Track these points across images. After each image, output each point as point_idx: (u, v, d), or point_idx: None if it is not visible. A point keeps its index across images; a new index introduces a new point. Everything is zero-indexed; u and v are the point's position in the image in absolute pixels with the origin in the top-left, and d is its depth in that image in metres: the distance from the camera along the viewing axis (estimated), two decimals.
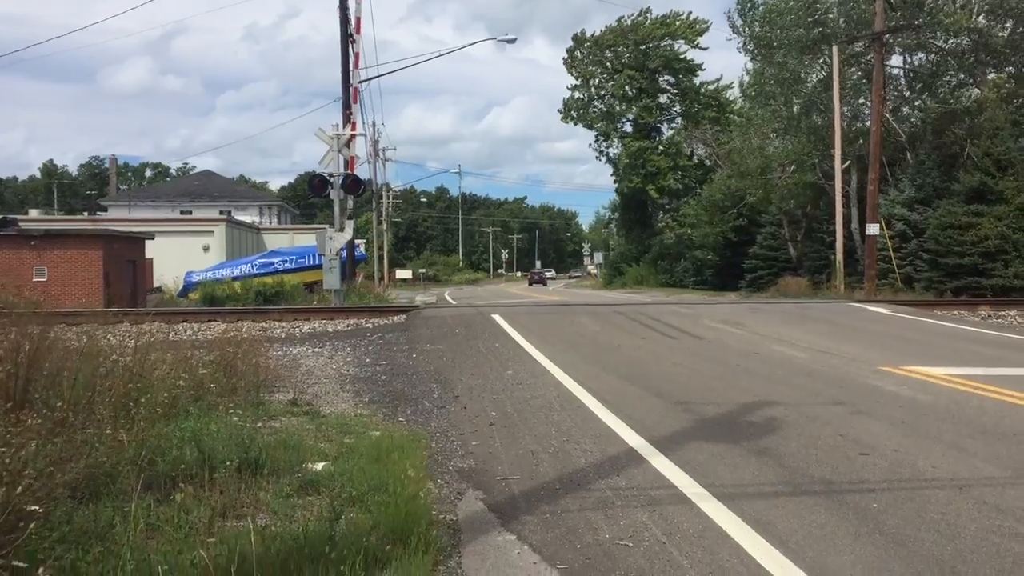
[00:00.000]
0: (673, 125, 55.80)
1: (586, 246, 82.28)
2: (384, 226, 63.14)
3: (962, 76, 29.30)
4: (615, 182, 57.40)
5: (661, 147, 53.60)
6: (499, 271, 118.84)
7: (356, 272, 30.67)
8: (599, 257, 72.97)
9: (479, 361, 10.58)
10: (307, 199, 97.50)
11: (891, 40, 28.20)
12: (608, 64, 55.41)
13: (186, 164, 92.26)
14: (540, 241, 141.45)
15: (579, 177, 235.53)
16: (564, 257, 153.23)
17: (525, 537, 4.42)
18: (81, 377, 5.59)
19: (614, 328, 14.62)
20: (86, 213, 49.75)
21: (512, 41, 27.97)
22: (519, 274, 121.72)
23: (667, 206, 55.39)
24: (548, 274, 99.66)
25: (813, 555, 4.20)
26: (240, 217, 46.01)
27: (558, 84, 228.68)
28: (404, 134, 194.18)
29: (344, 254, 26.17)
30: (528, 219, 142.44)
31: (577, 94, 56.68)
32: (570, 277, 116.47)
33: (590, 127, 56.30)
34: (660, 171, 51.99)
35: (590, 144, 58.35)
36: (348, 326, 15.54)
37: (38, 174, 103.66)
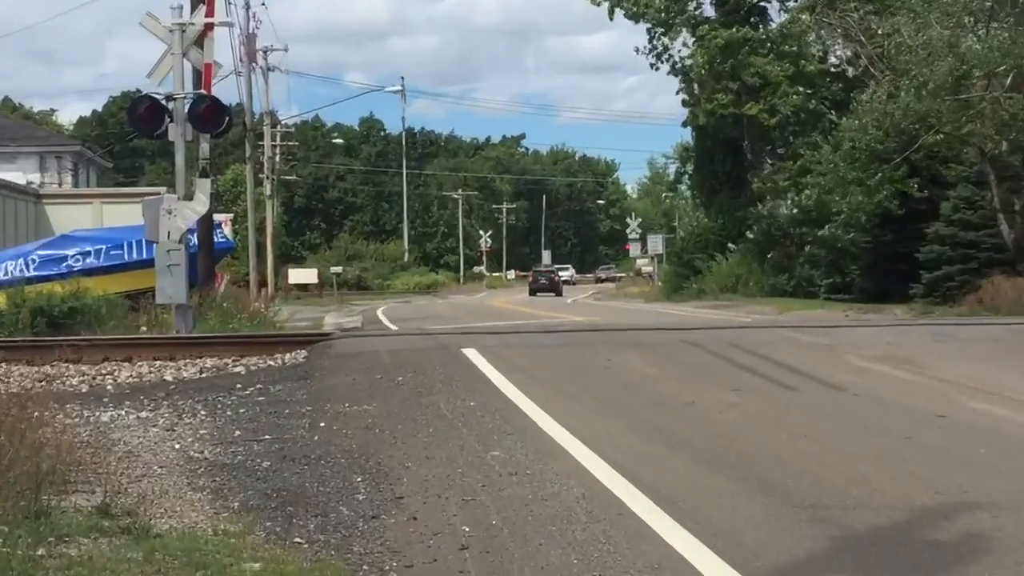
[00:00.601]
0: (790, 3, 55.81)
1: (633, 223, 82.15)
2: (268, 190, 63.21)
3: None
4: (685, 105, 57.49)
5: (769, 42, 53.56)
6: (475, 269, 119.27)
7: (218, 274, 30.67)
8: (657, 243, 73.07)
9: (441, 433, 10.58)
10: (128, 141, 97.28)
11: None
12: None
13: None
14: (550, 216, 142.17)
15: (619, 100, 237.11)
16: (593, 243, 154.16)
17: None
18: None
19: (684, 371, 14.62)
20: None
21: None
22: (511, 275, 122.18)
23: (779, 150, 55.46)
24: (565, 274, 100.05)
25: None
26: (4, 175, 46.01)
27: None
28: (303, 24, 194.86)
29: (195, 241, 26.17)
30: (528, 176, 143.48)
31: None
32: (600, 279, 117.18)
33: (640, 15, 55.94)
34: (768, 82, 51.90)
35: (638, 48, 57.66)
36: (203, 371, 15.51)
37: None
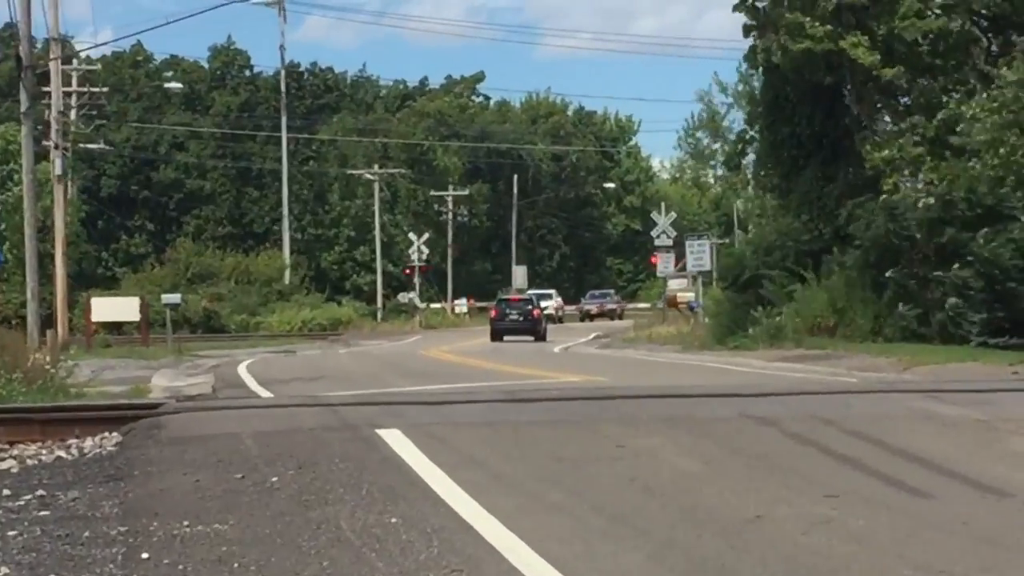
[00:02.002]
0: None
1: (662, 221, 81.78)
2: (58, 167, 62.96)
3: None
4: (748, 32, 57.69)
5: None
6: (404, 297, 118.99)
7: None
8: (703, 254, 73.13)
9: (342, 570, 10.58)
10: None
11: None
12: None
13: None
14: (527, 209, 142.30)
15: (643, 18, 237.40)
16: (598, 252, 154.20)
17: None
18: None
19: (746, 466, 14.69)
20: None
21: None
22: (463, 306, 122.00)
23: (903, 99, 55.59)
24: (548, 306, 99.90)
25: None
26: None
27: None
28: None
29: None
30: (490, 143, 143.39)
31: None
32: (588, 314, 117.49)
33: None
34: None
35: None
36: None
37: None
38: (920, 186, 50.20)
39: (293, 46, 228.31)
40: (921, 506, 12.70)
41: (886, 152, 51.53)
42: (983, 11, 51.47)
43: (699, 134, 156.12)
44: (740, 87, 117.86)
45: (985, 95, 43.41)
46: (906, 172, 51.58)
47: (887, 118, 55.91)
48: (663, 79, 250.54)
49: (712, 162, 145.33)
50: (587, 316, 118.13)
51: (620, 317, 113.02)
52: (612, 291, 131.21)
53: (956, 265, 45.79)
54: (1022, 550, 10.99)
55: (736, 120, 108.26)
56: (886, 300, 49.73)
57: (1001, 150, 40.95)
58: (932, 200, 48.42)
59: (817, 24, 51.56)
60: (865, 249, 50.89)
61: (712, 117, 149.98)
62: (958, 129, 45.32)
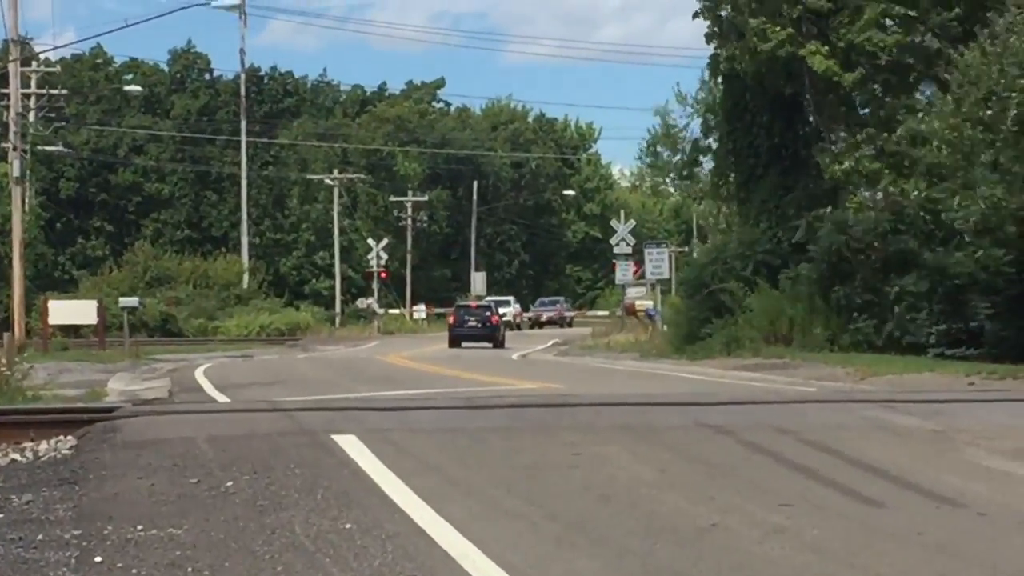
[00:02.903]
0: None
1: (621, 229, 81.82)
2: (16, 168, 62.73)
3: None
4: (710, 38, 57.70)
5: None
6: (362, 303, 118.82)
7: None
8: (661, 261, 73.15)
9: (296, 575, 10.56)
10: None
11: None
12: None
13: None
14: (487, 216, 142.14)
15: (606, 25, 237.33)
16: (557, 259, 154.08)
17: None
18: None
19: (701, 474, 14.72)
20: None
21: None
22: (421, 312, 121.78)
23: (864, 110, 55.66)
24: (507, 313, 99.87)
25: None
26: None
27: None
28: None
29: None
30: (450, 149, 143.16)
31: None
32: (538, 321, 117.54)
33: None
34: (840, 5, 52.40)
35: None
36: None
37: None
38: (879, 196, 50.21)
39: (254, 50, 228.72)
40: (875, 516, 12.73)
41: (846, 165, 51.43)
42: (947, 23, 51.49)
43: (659, 147, 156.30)
44: (701, 94, 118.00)
45: (946, 95, 43.38)
46: (863, 186, 51.58)
47: (843, 132, 55.85)
48: (625, 87, 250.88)
49: (671, 175, 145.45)
50: (537, 323, 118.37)
51: (570, 325, 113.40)
52: (562, 298, 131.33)
53: (905, 276, 45.91)
54: (975, 560, 11.02)
55: (696, 129, 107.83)
56: (837, 310, 49.69)
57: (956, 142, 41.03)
58: (886, 211, 48.49)
59: (778, 29, 51.60)
60: (819, 261, 50.90)
61: (668, 131, 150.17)
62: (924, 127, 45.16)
